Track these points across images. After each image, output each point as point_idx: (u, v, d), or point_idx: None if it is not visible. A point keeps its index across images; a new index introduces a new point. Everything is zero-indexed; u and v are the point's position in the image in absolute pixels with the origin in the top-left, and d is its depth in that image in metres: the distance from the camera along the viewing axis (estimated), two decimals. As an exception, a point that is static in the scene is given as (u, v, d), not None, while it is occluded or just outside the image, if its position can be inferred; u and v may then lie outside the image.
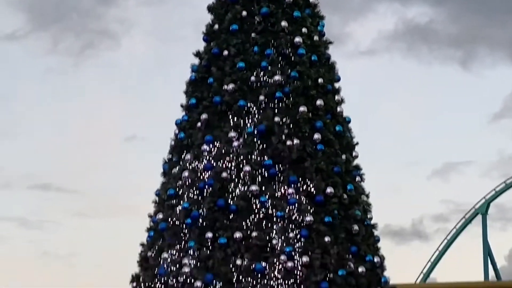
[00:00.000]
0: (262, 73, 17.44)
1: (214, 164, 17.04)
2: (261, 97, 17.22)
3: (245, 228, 16.42)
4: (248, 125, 17.21)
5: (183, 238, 17.00)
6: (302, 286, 15.87)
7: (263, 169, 16.82)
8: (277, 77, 17.16)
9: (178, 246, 16.93)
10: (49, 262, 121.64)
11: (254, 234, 16.30)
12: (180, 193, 17.26)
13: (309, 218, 16.40)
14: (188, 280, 16.24)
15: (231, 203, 16.65)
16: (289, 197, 16.51)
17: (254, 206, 16.55)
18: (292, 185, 16.61)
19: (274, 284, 15.86)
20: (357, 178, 18.03)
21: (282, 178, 16.74)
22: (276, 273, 15.93)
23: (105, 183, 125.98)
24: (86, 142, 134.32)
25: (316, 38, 18.27)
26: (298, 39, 17.69)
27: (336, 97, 18.21)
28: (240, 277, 16.14)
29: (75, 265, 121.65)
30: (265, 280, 15.92)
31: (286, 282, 15.97)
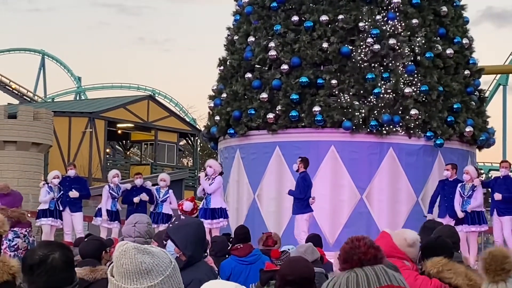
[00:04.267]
0: None
1: None
2: None
3: (331, 10, 16.49)
4: None
5: (269, 21, 17.22)
6: (387, 68, 16.10)
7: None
8: None
9: (264, 30, 17.19)
10: (146, 46, 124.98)
11: (340, 17, 16.34)
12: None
13: (396, 0, 16.27)
14: (274, 63, 16.64)
15: (318, -15, 16.58)
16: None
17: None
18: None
19: (361, 67, 16.08)
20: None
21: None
22: (363, 56, 16.11)
23: None
24: None
25: None
26: None
27: None
28: (326, 60, 16.42)
29: (170, 49, 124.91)
30: (352, 63, 16.19)
31: (373, 65, 16.19)
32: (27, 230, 14.57)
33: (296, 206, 14.66)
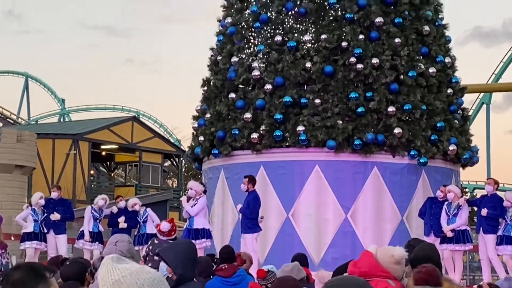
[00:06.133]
0: None
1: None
2: None
3: (314, 30, 16.55)
4: None
5: (252, 41, 17.27)
6: (372, 87, 16.15)
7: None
8: None
9: (247, 50, 17.24)
10: (134, 68, 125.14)
11: (323, 36, 16.37)
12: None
13: (379, 19, 16.34)
14: (258, 83, 16.66)
15: (300, 5, 16.63)
16: (359, -1, 16.43)
17: (323, 8, 16.56)
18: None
19: (344, 86, 16.11)
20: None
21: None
22: (346, 75, 16.14)
23: None
24: None
25: None
26: None
27: None
28: (310, 80, 16.41)
29: (159, 70, 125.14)
30: (335, 83, 16.23)
31: (356, 84, 16.23)
32: (0, 252, 14.47)
33: (246, 225, 14.65)
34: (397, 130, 15.84)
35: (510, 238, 14.31)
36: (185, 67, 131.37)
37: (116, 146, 47.22)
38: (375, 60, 16.03)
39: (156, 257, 10.33)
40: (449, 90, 17.22)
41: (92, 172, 48.81)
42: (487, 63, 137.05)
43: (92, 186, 45.78)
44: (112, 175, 53.78)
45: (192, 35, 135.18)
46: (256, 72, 16.54)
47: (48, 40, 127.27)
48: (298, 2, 16.65)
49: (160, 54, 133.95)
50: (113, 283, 2.87)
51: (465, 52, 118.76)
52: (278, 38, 16.57)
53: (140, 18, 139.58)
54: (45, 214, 16.42)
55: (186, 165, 51.58)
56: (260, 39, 16.97)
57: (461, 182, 17.98)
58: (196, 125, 17.82)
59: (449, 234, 14.75)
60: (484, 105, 54.89)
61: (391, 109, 15.91)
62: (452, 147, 16.62)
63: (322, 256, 15.52)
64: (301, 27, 16.55)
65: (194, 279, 6.86)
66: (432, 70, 16.67)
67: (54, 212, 16.46)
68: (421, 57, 16.74)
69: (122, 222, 16.38)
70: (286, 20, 16.73)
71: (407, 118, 16.14)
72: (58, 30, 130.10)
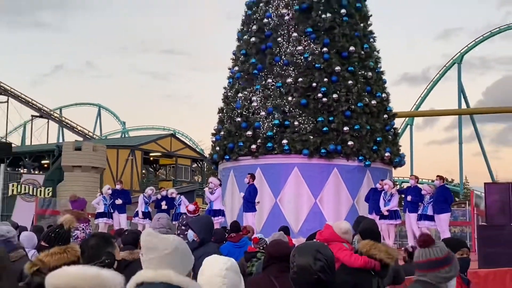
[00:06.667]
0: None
1: (272, 32, 16.94)
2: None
3: (294, 75, 16.60)
4: (295, 3, 16.87)
5: (252, 83, 17.30)
6: (332, 113, 16.16)
7: (305, 35, 16.66)
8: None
9: (248, 88, 17.27)
10: (172, 100, 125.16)
11: (300, 79, 16.37)
12: (249, 49, 17.32)
13: (337, 68, 16.37)
14: (256, 111, 16.67)
15: (284, 58, 16.66)
16: (324, 54, 16.43)
17: (300, 61, 16.60)
18: (326, 45, 16.46)
19: (314, 113, 16.11)
20: (371, 40, 17.72)
21: (319, 41, 16.57)
22: (315, 105, 16.12)
23: (208, 46, 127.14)
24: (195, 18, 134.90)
25: None
26: None
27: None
28: (291, 108, 16.46)
29: (188, 102, 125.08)
30: (309, 110, 16.25)
31: (322, 112, 16.24)
32: (85, 225, 14.46)
33: (247, 207, 14.69)
34: (350, 143, 15.86)
35: (426, 215, 14.33)
36: (206, 100, 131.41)
37: (160, 154, 47.05)
38: (335, 95, 16.07)
39: (183, 227, 10.31)
40: (385, 116, 17.24)
41: (143, 171, 48.72)
42: (411, 97, 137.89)
43: (143, 181, 45.59)
44: (157, 173, 53.59)
45: (211, 78, 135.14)
46: (254, 103, 16.56)
47: (114, 81, 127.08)
48: (283, 56, 16.66)
49: (189, 91, 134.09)
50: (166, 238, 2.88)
51: (396, 90, 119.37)
52: (269, 80, 16.60)
53: (176, 66, 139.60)
54: (112, 200, 16.43)
55: (207, 167, 51.42)
56: (257, 81, 16.98)
57: (393, 178, 17.95)
58: (214, 139, 17.82)
59: (385, 213, 14.77)
60: (409, 126, 55.02)
61: (346, 128, 15.93)
62: (387, 154, 16.63)
63: (299, 228, 15.49)
64: (285, 73, 16.55)
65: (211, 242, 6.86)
66: (373, 102, 16.70)
67: (118, 199, 16.47)
68: (366, 93, 16.76)
69: (163, 205, 16.39)
70: (275, 68, 16.72)
71: (357, 134, 16.15)
72: (120, 74, 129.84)
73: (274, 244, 5.02)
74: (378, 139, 16.46)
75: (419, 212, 14.46)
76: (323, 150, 15.73)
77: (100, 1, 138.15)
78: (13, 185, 27.09)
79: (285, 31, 16.80)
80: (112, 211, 16.37)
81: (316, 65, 16.25)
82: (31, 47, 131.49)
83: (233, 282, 3.06)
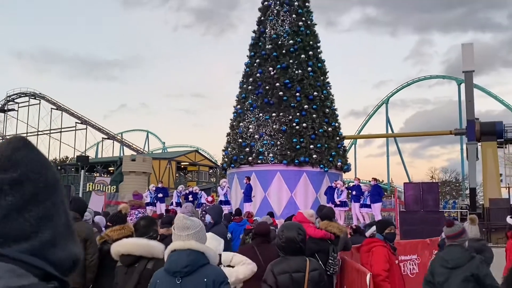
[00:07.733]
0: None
1: (262, 83, 16.89)
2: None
3: (276, 112, 16.55)
4: (278, 64, 16.91)
5: (249, 116, 17.29)
6: (302, 136, 16.17)
7: (284, 85, 16.63)
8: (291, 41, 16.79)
9: (247, 120, 17.16)
10: (197, 127, 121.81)
11: (281, 114, 16.24)
12: (247, 94, 17.32)
13: (306, 106, 16.30)
14: (252, 135, 16.60)
15: (271, 100, 16.60)
16: (297, 97, 16.33)
17: (281, 101, 16.55)
18: (298, 91, 16.48)
19: (291, 136, 16.02)
20: (328, 87, 17.69)
21: (293, 88, 16.58)
22: (291, 131, 16.01)
23: (221, 92, 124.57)
24: (214, 73, 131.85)
25: None
26: None
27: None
28: (275, 133, 16.01)
29: (208, 130, 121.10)
30: (287, 134, 16.25)
31: (296, 135, 16.13)
32: (143, 210, 14.34)
33: (245, 199, 14.59)
34: (314, 156, 15.84)
35: (365, 204, 14.32)
36: (219, 128, 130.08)
37: (188, 163, 46.93)
38: (304, 124, 16.09)
39: (204, 212, 10.25)
40: (338, 138, 17.23)
41: (176, 175, 48.48)
42: (355, 126, 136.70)
43: (176, 181, 45.31)
44: (185, 176, 53.38)
45: (222, 113, 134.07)
46: (251, 130, 16.52)
47: (159, 115, 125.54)
48: (270, 98, 16.66)
49: (208, 121, 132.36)
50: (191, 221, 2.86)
51: (345, 121, 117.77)
52: (261, 114, 16.59)
53: (200, 105, 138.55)
54: (155, 194, 16.31)
55: (219, 172, 51.31)
56: (252, 115, 16.96)
57: (343, 179, 17.94)
58: (224, 154, 17.78)
59: (338, 203, 14.68)
60: (353, 145, 54.94)
61: (311, 146, 15.92)
62: (339, 163, 16.60)
63: (281, 213, 15.37)
64: (270, 109, 16.57)
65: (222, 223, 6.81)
66: (330, 129, 16.72)
67: (159, 193, 16.35)
68: (325, 123, 16.78)
69: (190, 198, 16.23)
70: (264, 108, 16.72)
71: (319, 150, 16.14)
72: (163, 110, 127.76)
73: (258, 224, 5.03)
74: (333, 153, 16.46)
75: (361, 202, 14.46)
76: (296, 161, 15.72)
77: (150, 62, 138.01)
78: (89, 184, 26.90)
79: (271, 82, 16.88)
80: (155, 201, 16.26)
81: (292, 104, 16.32)
82: (104, 92, 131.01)
83: (210, 242, 3.06)
